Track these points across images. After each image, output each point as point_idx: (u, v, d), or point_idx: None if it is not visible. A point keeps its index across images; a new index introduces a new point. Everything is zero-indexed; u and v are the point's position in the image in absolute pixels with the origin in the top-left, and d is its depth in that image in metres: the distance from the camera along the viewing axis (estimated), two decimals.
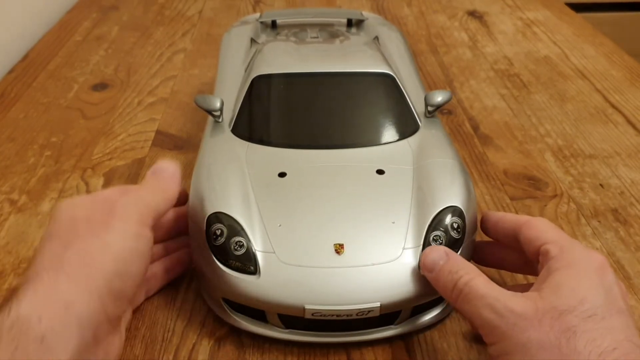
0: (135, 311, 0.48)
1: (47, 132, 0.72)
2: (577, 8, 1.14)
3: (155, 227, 0.42)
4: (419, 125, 0.54)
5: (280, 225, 0.44)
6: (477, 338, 0.46)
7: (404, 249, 0.43)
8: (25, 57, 0.92)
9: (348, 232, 0.43)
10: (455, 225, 0.44)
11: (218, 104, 0.53)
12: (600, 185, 0.62)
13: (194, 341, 0.46)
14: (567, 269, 0.37)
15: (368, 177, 0.48)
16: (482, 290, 0.37)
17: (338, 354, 0.45)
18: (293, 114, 0.53)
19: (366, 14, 0.73)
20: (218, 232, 0.43)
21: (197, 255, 0.45)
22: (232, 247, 0.43)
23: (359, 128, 0.52)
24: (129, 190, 0.42)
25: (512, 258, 0.47)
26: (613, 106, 0.77)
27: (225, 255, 0.43)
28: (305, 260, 0.42)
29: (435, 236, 0.43)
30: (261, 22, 0.71)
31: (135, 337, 0.46)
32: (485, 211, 0.48)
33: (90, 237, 0.38)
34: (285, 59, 0.57)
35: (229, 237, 0.43)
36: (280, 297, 0.41)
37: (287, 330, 0.44)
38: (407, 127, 0.53)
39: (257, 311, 0.44)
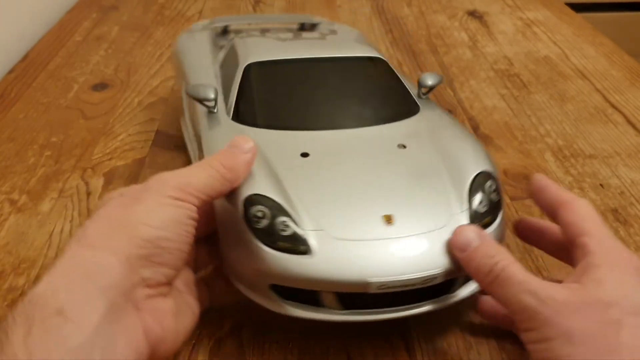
0: None
1: (47, 132, 0.72)
2: (577, 8, 1.14)
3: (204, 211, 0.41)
4: (418, 105, 0.54)
5: (320, 203, 0.42)
6: (476, 335, 0.46)
7: (452, 214, 0.43)
8: (25, 57, 0.92)
9: (392, 202, 0.43)
10: (492, 188, 0.45)
11: (212, 94, 0.51)
12: (600, 185, 0.62)
13: (193, 341, 0.46)
14: (608, 266, 0.37)
15: (392, 151, 0.47)
16: (520, 276, 0.37)
17: (338, 354, 0.45)
18: (298, 97, 0.53)
19: (317, 18, 0.73)
20: (259, 215, 0.41)
21: (232, 245, 0.43)
22: (278, 228, 0.41)
23: (366, 108, 0.53)
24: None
25: (550, 236, 0.46)
26: (613, 106, 0.77)
27: (272, 237, 0.41)
28: (358, 234, 0.41)
29: (480, 199, 0.44)
30: (213, 28, 0.70)
31: None
32: (536, 174, 0.46)
33: (120, 208, 0.37)
34: (273, 48, 0.57)
35: (273, 218, 0.41)
36: (340, 274, 0.40)
37: (346, 312, 0.42)
38: (409, 107, 0.54)
39: (308, 296, 0.42)
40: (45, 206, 0.60)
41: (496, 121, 0.74)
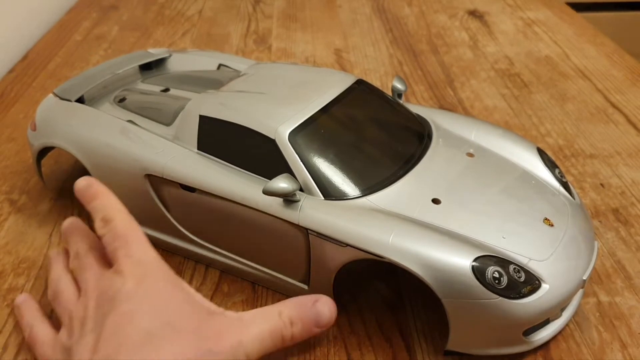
0: None
1: None
2: (578, 8, 1.14)
3: None
4: (423, 117, 0.55)
5: (504, 237, 0.43)
6: None
7: (570, 204, 0.49)
8: (25, 57, 0.92)
9: (536, 209, 0.47)
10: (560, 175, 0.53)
11: (290, 186, 0.43)
12: (601, 185, 0.62)
13: None
14: None
15: (471, 160, 0.50)
16: None
17: (338, 353, 0.44)
18: (361, 147, 0.49)
19: (155, 50, 0.68)
20: (497, 274, 0.41)
21: (471, 317, 0.41)
22: (515, 277, 0.41)
23: (407, 129, 0.52)
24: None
25: None
26: (614, 106, 0.77)
27: (515, 289, 0.41)
28: (550, 245, 0.44)
29: (557, 171, 0.52)
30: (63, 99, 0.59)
31: None
32: None
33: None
34: (279, 105, 0.49)
35: (507, 272, 0.41)
36: (575, 285, 0.44)
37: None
38: (424, 120, 0.55)
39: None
40: (45, 206, 0.60)
41: (497, 121, 0.73)
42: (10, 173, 0.65)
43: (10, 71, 0.87)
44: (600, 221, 0.57)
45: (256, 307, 0.48)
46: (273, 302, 0.49)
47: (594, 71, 0.86)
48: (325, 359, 0.44)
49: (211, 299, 0.49)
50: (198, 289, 0.50)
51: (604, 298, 0.49)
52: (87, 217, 0.59)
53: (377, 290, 0.50)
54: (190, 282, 0.51)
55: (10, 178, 0.64)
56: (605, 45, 0.94)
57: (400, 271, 0.51)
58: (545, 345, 0.45)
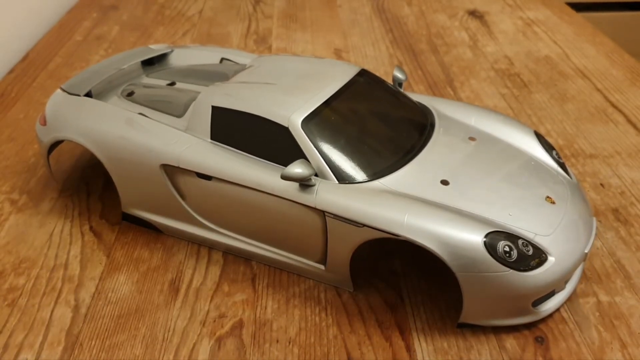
0: (135, 311, 0.48)
1: None
2: (578, 7, 1.14)
3: None
4: (423, 105, 0.57)
5: (510, 215, 0.45)
6: (476, 335, 0.46)
7: (568, 183, 0.51)
8: (25, 57, 0.92)
9: (539, 188, 0.49)
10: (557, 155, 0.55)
11: (307, 171, 0.45)
12: (601, 184, 0.62)
13: (194, 341, 0.46)
14: None
15: (487, 146, 0.52)
16: None
17: (338, 353, 0.45)
18: (370, 132, 0.51)
19: (156, 46, 0.69)
20: (507, 248, 0.43)
21: (483, 290, 0.44)
22: (524, 250, 0.44)
23: (411, 115, 0.54)
24: None
25: None
26: (613, 105, 0.77)
27: (525, 262, 0.43)
28: (554, 221, 0.46)
29: (555, 152, 0.55)
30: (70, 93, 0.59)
31: (136, 337, 0.46)
32: None
33: None
34: (290, 94, 0.51)
35: (516, 246, 0.43)
36: (578, 258, 0.46)
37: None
38: (425, 107, 0.56)
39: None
40: (46, 206, 0.60)
41: None
42: (10, 173, 0.65)
43: (10, 71, 0.87)
44: (600, 221, 0.57)
45: (256, 306, 0.49)
46: (273, 302, 0.49)
47: (594, 71, 0.86)
48: (325, 359, 0.44)
49: (211, 299, 0.49)
50: (198, 289, 0.50)
51: (603, 298, 0.49)
52: (87, 217, 0.59)
53: (377, 290, 0.50)
54: (190, 282, 0.51)
55: (11, 178, 0.64)
56: (604, 44, 0.94)
57: (401, 271, 0.51)
58: (545, 345, 0.45)
